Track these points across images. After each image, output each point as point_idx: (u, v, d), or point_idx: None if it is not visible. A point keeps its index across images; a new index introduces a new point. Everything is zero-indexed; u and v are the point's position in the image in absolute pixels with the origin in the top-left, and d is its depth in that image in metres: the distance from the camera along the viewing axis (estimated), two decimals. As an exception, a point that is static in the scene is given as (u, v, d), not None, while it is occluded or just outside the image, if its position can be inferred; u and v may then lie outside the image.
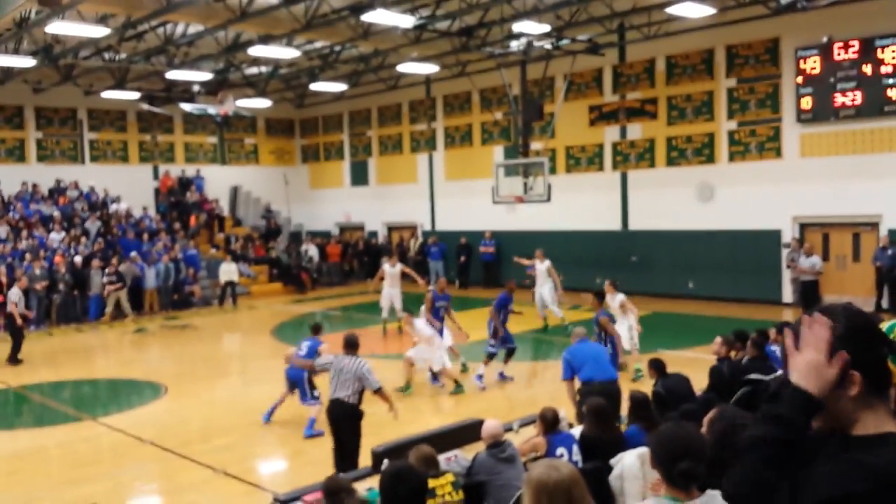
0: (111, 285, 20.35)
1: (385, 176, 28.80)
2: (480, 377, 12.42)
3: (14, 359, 15.11)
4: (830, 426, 1.89)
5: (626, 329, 12.34)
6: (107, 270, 20.57)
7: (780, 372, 7.80)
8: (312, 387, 10.34)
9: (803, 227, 19.06)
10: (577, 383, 8.84)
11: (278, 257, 26.42)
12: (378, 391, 8.24)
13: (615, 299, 12.81)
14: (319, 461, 8.52)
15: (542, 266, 17.28)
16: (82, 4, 14.38)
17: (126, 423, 10.98)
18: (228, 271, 23.01)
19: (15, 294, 15.68)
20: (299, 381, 10.37)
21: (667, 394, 7.70)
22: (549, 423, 6.48)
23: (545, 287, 17.11)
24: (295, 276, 25.68)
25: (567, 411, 7.55)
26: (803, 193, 18.57)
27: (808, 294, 17.16)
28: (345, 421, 8.09)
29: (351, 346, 8.29)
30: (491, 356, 12.71)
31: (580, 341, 9.19)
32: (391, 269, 17.34)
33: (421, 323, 12.28)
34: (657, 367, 8.11)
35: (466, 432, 7.23)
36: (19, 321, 15.27)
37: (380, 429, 9.70)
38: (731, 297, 19.32)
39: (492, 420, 6.35)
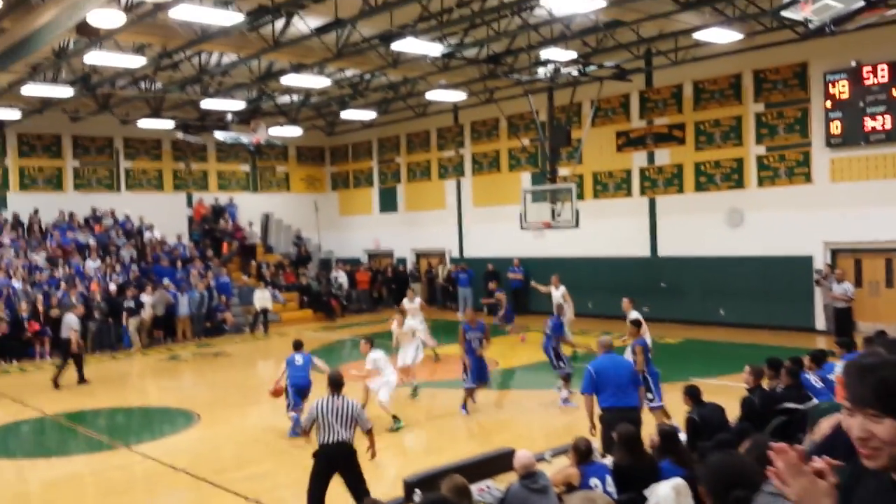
0: (129, 314, 20.52)
1: (413, 202, 28.99)
2: (464, 407, 12.55)
3: (82, 379, 16.11)
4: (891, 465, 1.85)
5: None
6: (128, 296, 20.87)
7: (815, 401, 7.75)
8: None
9: (835, 252, 18.87)
10: (597, 407, 8.72)
11: (308, 284, 26.63)
12: (370, 431, 7.99)
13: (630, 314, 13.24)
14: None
15: (556, 292, 17.25)
16: (119, 35, 14.74)
17: (159, 451, 11.10)
18: (263, 298, 23.28)
19: (74, 321, 16.17)
20: (306, 389, 11.62)
21: (701, 422, 7.69)
22: (582, 453, 6.47)
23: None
24: (325, 303, 25.86)
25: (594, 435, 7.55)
26: (834, 218, 18.41)
27: (842, 321, 16.95)
28: (352, 462, 7.68)
29: (337, 386, 7.85)
30: (469, 391, 12.67)
31: (606, 353, 9.04)
32: (411, 304, 17.34)
33: (375, 355, 11.90)
34: (693, 394, 8.07)
35: (498, 462, 7.24)
36: (75, 347, 15.92)
37: (412, 459, 9.74)
38: (763, 324, 19.12)
39: (524, 450, 6.36)
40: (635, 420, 8.22)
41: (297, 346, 12.23)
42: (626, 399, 8.54)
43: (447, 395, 14.39)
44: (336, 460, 7.58)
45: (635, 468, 6.16)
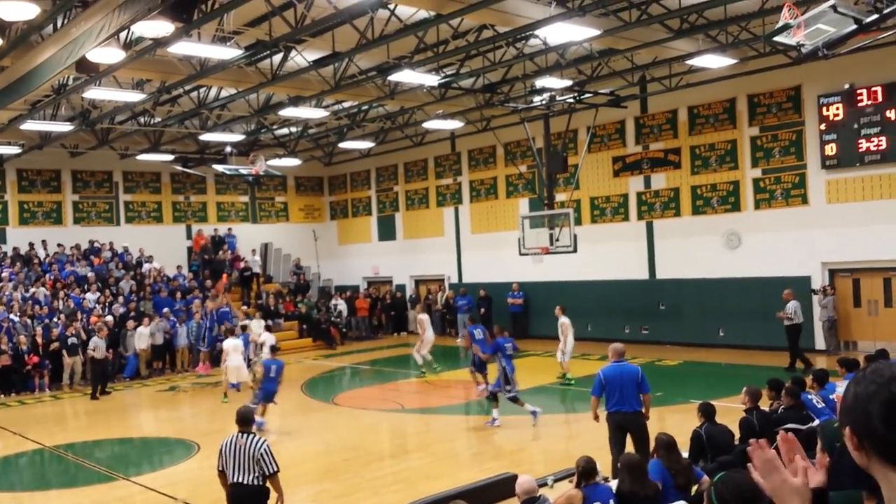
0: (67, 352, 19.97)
1: (412, 230, 29.10)
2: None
3: (104, 391, 18.53)
4: None
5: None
6: (128, 328, 21.13)
7: (817, 421, 7.77)
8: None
9: (833, 272, 18.94)
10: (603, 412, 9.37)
11: (308, 313, 26.64)
12: (273, 476, 7.02)
13: (560, 320, 16.68)
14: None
15: (563, 319, 17.25)
16: (118, 71, 14.90)
17: (159, 482, 11.07)
18: (258, 327, 23.22)
19: (101, 343, 18.61)
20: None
21: (708, 440, 7.76)
22: (582, 473, 6.48)
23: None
24: (324, 331, 25.85)
25: (602, 464, 7.55)
26: (831, 239, 18.50)
27: (791, 339, 17.05)
28: None
29: (245, 422, 7.22)
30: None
31: (616, 362, 9.44)
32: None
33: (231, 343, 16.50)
34: (706, 412, 8.18)
35: (500, 488, 7.25)
36: (106, 354, 18.76)
37: (412, 484, 9.73)
38: (763, 345, 19.12)
39: (525, 475, 6.37)
40: (639, 422, 9.12)
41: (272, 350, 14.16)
42: (629, 404, 9.16)
43: (444, 421, 14.38)
44: (241, 502, 6.99)
45: (638, 495, 6.19)
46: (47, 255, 24.72)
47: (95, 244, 25.89)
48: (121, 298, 22.99)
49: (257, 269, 28.17)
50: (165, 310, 22.23)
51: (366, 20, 13.77)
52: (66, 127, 20.10)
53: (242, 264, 27.79)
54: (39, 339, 19.66)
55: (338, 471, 11.02)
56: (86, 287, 23.29)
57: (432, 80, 17.16)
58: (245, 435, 7.02)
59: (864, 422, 1.67)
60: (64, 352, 19.77)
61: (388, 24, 13.82)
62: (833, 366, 15.32)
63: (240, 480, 6.92)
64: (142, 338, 21.04)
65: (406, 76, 16.56)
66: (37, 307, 21.35)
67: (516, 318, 24.23)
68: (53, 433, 14.72)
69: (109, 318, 21.34)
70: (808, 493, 1.93)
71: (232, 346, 16.80)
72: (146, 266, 25.80)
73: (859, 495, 3.57)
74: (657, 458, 6.85)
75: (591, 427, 12.45)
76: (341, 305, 27.30)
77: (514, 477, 6.52)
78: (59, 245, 25.11)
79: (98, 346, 18.55)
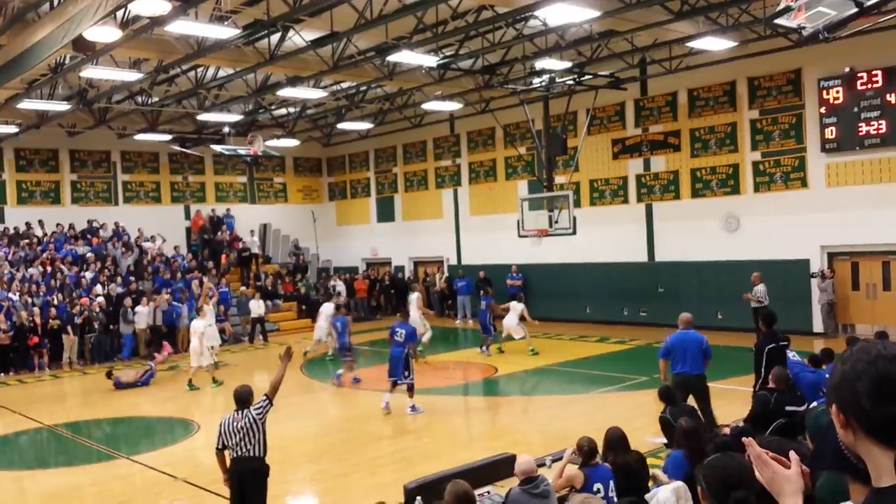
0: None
1: (411, 212, 29.07)
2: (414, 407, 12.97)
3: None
4: None
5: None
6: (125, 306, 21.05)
7: (815, 403, 7.83)
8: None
9: (832, 256, 18.96)
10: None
11: (307, 293, 26.65)
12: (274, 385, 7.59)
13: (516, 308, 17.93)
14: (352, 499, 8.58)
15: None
16: (116, 50, 14.82)
17: (160, 461, 11.12)
18: (258, 307, 23.31)
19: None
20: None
21: (674, 422, 7.91)
22: (585, 454, 6.53)
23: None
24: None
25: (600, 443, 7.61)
26: (830, 222, 18.50)
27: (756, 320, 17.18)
28: (259, 483, 7.50)
29: (242, 402, 7.46)
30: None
31: (683, 330, 10.37)
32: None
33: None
34: (667, 396, 8.52)
35: (499, 467, 7.29)
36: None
37: (410, 464, 9.79)
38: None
39: (524, 455, 6.39)
40: (699, 384, 10.04)
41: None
42: (694, 367, 10.05)
43: (443, 402, 14.45)
44: (244, 477, 7.32)
45: (627, 463, 6.37)
46: (45, 235, 24.67)
47: (94, 223, 25.84)
48: (119, 279, 22.97)
49: (256, 250, 28.15)
50: (164, 293, 22.08)
51: (364, 0, 13.68)
52: (63, 106, 20.01)
53: (241, 245, 27.78)
54: (38, 319, 19.68)
55: (336, 451, 11.09)
56: (84, 266, 23.29)
57: (431, 60, 17.08)
58: (241, 412, 7.33)
59: (850, 399, 1.69)
60: (68, 328, 19.77)
61: (386, 3, 13.75)
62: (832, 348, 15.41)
63: (243, 454, 7.26)
64: (140, 317, 21.06)
65: (405, 57, 16.48)
66: (34, 286, 21.36)
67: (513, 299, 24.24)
68: (53, 412, 14.77)
69: (101, 299, 21.36)
70: (800, 482, 2.02)
71: (201, 328, 16.69)
72: (147, 244, 25.76)
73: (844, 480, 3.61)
74: (680, 447, 6.77)
75: (586, 408, 12.55)
76: (340, 286, 27.30)
77: (513, 457, 6.55)
78: (57, 225, 25.07)
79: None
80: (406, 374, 12.92)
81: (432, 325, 20.15)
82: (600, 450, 6.65)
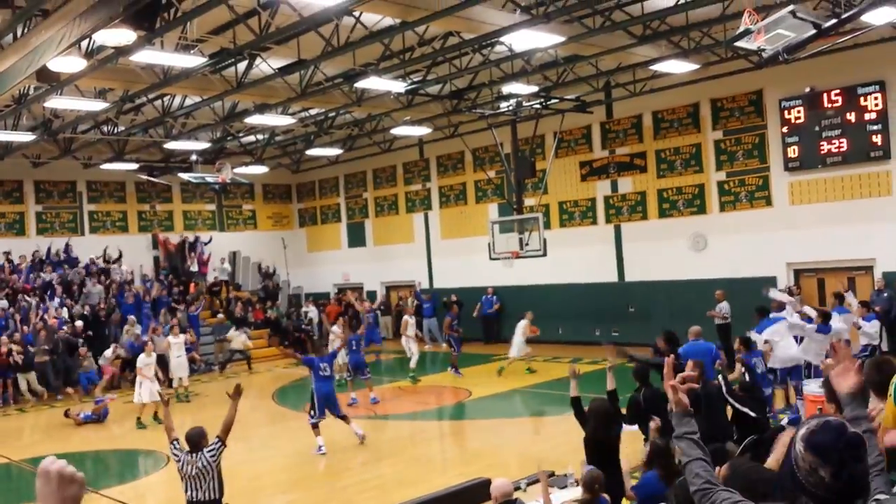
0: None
1: (382, 237, 29.05)
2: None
3: None
4: None
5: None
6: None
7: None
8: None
9: (798, 272, 19.24)
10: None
11: (277, 319, 26.44)
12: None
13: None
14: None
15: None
16: (80, 80, 14.72)
17: (129, 494, 10.95)
18: (240, 338, 23.30)
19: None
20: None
21: (645, 404, 8.18)
22: (588, 489, 6.24)
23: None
24: (295, 339, 25.67)
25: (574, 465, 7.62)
26: (796, 240, 18.80)
27: (723, 337, 17.58)
28: None
29: (194, 444, 7.32)
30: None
31: (694, 341, 10.89)
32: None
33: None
34: (642, 375, 8.95)
35: (475, 492, 7.27)
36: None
37: (384, 492, 9.72)
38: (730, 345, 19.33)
39: (501, 479, 6.38)
40: (712, 391, 9.66)
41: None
42: (706, 375, 9.87)
43: (417, 427, 14.38)
44: None
45: (606, 439, 6.87)
46: (10, 267, 24.19)
47: (61, 251, 25.40)
48: (87, 307, 22.60)
49: (224, 277, 27.94)
50: (128, 325, 21.59)
51: (331, 27, 13.74)
52: (27, 137, 19.78)
53: (211, 274, 27.56)
54: (3, 349, 19.22)
55: (309, 480, 10.98)
56: (51, 294, 22.90)
57: (399, 86, 17.17)
58: (195, 454, 7.24)
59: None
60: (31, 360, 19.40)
61: (353, 31, 13.81)
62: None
63: (197, 498, 7.19)
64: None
65: (373, 83, 16.55)
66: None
67: (489, 322, 24.29)
68: (20, 447, 14.45)
69: (78, 324, 21.01)
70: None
71: (145, 364, 16.01)
72: (114, 268, 25.36)
73: None
74: (652, 468, 6.66)
75: (562, 430, 12.52)
76: (312, 313, 27.12)
77: (489, 482, 6.53)
78: (21, 256, 24.66)
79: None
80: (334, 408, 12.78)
81: (422, 350, 20.45)
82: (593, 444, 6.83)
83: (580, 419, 7.45)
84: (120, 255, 26.00)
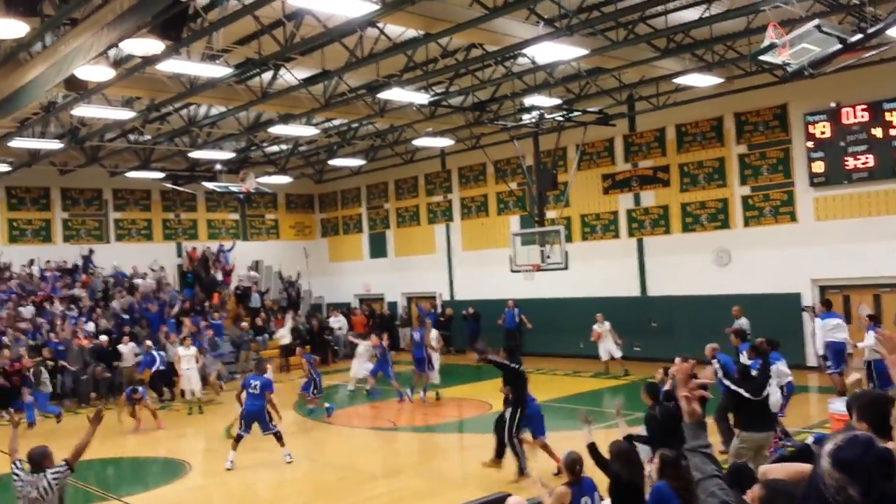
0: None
1: (403, 248, 29.10)
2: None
3: None
4: None
5: None
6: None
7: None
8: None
9: (823, 289, 19.01)
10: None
11: (297, 328, 26.50)
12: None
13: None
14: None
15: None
16: (108, 88, 14.92)
17: (151, 502, 10.99)
18: (284, 336, 24.32)
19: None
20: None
21: (662, 420, 8.15)
22: (571, 470, 6.63)
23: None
24: (324, 345, 25.77)
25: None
26: (821, 256, 18.59)
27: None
28: None
29: (36, 465, 6.74)
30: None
31: (712, 356, 11.03)
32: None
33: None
34: (653, 393, 8.84)
35: (491, 508, 7.22)
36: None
37: (403, 504, 9.67)
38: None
39: (515, 496, 6.34)
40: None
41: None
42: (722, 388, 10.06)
43: (436, 440, 14.33)
44: None
45: (633, 483, 6.36)
46: (31, 274, 24.50)
47: (87, 261, 25.73)
48: (113, 320, 22.80)
49: (249, 284, 28.11)
50: (147, 343, 21.57)
51: (355, 39, 13.84)
52: (55, 144, 20.07)
53: (234, 282, 27.74)
54: (25, 358, 19.40)
55: (330, 491, 10.97)
56: (79, 305, 23.15)
57: (422, 98, 17.24)
58: (37, 474, 6.64)
59: None
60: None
61: (377, 42, 13.90)
62: (825, 382, 15.40)
63: None
64: (127, 357, 20.78)
65: (396, 94, 16.63)
66: (24, 324, 21.21)
67: (511, 334, 24.17)
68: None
69: (104, 338, 21.19)
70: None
71: (185, 355, 17.99)
72: (139, 282, 25.60)
73: None
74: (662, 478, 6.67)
75: (582, 445, 12.33)
76: (337, 322, 27.06)
77: (504, 497, 6.50)
78: (46, 262, 24.99)
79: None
80: (272, 424, 12.80)
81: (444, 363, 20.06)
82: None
83: (601, 465, 7.20)
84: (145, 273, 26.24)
